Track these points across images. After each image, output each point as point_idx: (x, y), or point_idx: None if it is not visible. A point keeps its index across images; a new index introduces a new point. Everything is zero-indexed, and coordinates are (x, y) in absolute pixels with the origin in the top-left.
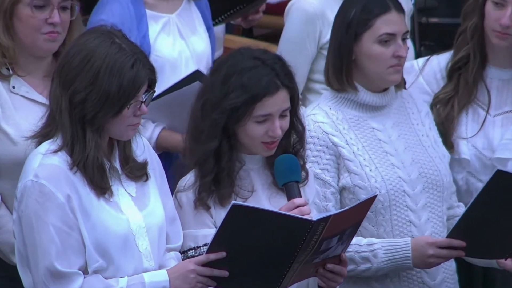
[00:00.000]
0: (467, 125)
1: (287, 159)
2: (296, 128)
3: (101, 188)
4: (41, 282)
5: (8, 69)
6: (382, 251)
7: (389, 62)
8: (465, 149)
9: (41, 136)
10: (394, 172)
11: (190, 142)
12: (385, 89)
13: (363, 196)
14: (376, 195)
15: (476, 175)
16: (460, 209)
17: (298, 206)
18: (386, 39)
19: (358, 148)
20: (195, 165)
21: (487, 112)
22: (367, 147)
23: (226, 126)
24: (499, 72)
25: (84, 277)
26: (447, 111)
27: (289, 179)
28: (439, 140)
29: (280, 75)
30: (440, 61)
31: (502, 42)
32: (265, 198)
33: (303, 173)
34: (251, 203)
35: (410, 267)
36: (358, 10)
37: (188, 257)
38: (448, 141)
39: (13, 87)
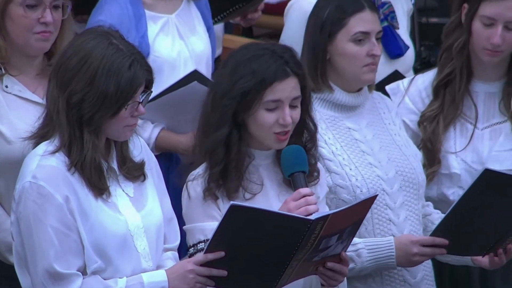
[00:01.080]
0: (455, 140)
1: (294, 150)
2: (308, 127)
3: (99, 189)
4: (40, 283)
5: (0, 68)
6: (365, 251)
7: (364, 61)
8: (454, 163)
9: (39, 137)
10: (372, 171)
11: (200, 137)
12: (359, 90)
13: (345, 196)
14: (377, 195)
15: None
16: (430, 208)
17: (304, 196)
18: (361, 38)
19: (336, 148)
20: (205, 155)
21: (475, 126)
22: (345, 147)
23: (236, 114)
24: (486, 86)
25: (83, 278)
26: (433, 127)
27: (295, 170)
28: (410, 139)
29: (290, 63)
30: (425, 79)
31: (494, 59)
32: (274, 195)
33: (315, 173)
34: (259, 199)
35: (393, 266)
36: (332, 9)
37: (198, 250)
38: (436, 157)
39: (6, 87)
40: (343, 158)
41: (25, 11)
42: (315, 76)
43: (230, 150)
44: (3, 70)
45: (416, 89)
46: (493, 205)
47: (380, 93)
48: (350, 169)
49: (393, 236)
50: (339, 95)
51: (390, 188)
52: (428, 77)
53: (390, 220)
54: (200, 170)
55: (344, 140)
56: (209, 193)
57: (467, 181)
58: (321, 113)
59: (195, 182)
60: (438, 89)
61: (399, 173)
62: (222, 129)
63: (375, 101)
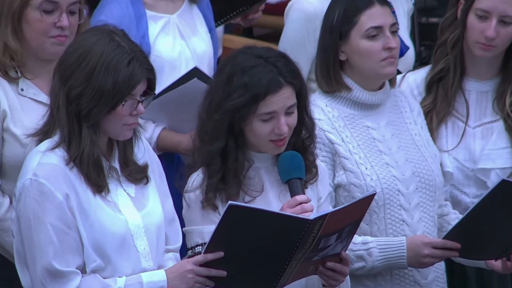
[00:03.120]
0: (447, 138)
1: (290, 156)
2: (306, 125)
3: (98, 185)
4: (39, 281)
5: (16, 72)
6: (377, 250)
7: (381, 55)
8: (447, 162)
9: (42, 133)
10: (388, 171)
11: (198, 142)
12: (380, 88)
13: (358, 194)
14: (375, 193)
15: (460, 188)
16: (447, 208)
17: (300, 203)
18: (374, 33)
19: (353, 146)
20: (202, 165)
21: (466, 124)
22: (362, 146)
23: (232, 125)
24: (478, 84)
25: (82, 277)
26: (426, 123)
27: (291, 176)
28: (431, 139)
29: (283, 72)
30: (416, 77)
31: (487, 54)
32: (274, 196)
33: (313, 169)
34: (259, 202)
35: (404, 266)
36: (341, 11)
37: (196, 253)
38: None
39: (22, 90)
40: (359, 157)
41: (42, 15)
42: (329, 79)
43: (227, 160)
44: (19, 73)
45: (408, 87)
46: (506, 213)
47: (403, 91)
48: (366, 168)
49: (406, 236)
50: (358, 93)
51: (406, 189)
52: (419, 75)
53: (403, 221)
54: (197, 176)
55: (361, 139)
56: (208, 203)
57: (459, 179)
58: (340, 110)
59: (194, 193)
60: (431, 84)
61: (415, 174)
62: (217, 142)
63: (398, 100)
